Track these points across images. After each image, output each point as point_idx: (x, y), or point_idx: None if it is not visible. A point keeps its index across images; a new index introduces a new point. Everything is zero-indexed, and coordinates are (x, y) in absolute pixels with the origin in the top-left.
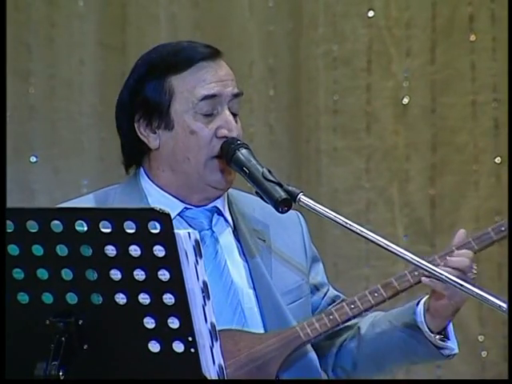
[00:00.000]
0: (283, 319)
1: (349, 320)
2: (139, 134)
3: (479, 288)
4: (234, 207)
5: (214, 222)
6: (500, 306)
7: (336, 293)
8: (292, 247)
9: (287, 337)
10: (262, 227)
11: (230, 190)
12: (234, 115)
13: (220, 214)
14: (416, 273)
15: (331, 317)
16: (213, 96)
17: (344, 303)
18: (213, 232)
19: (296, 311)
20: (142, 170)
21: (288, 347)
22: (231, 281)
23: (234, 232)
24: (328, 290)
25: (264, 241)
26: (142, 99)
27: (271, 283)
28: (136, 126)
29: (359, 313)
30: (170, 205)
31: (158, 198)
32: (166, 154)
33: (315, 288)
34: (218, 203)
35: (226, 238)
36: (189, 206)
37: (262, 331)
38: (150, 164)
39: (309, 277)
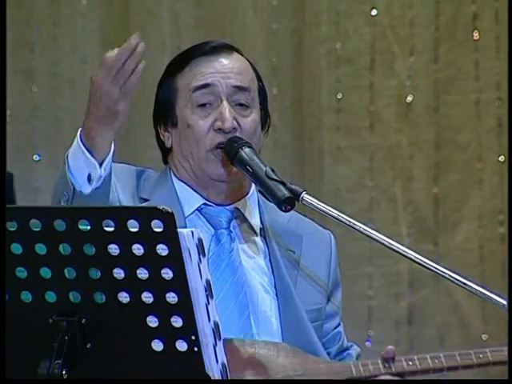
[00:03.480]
0: (304, 332)
1: (403, 374)
2: (161, 136)
3: (482, 286)
4: (265, 216)
5: (234, 224)
6: (505, 305)
7: (341, 330)
8: (318, 267)
9: (338, 367)
10: (295, 238)
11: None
12: (245, 107)
13: (243, 218)
14: (481, 355)
15: (386, 365)
16: (205, 86)
17: (403, 357)
18: (230, 231)
19: None
20: (169, 167)
21: (336, 375)
22: (245, 280)
23: (262, 239)
24: (339, 324)
25: (294, 252)
26: (159, 101)
27: (295, 295)
28: (158, 128)
29: (415, 370)
30: (191, 199)
31: (182, 191)
32: (176, 151)
33: (330, 316)
34: (240, 205)
35: (247, 242)
36: (209, 203)
37: (277, 338)
38: (171, 162)
39: (327, 302)
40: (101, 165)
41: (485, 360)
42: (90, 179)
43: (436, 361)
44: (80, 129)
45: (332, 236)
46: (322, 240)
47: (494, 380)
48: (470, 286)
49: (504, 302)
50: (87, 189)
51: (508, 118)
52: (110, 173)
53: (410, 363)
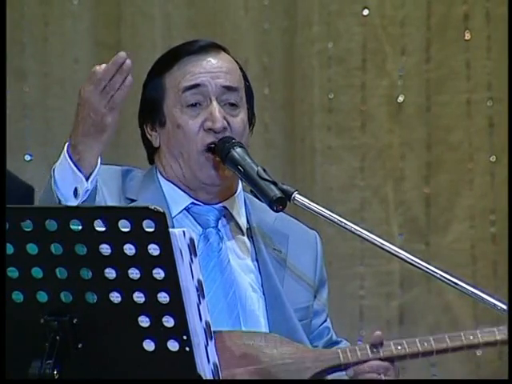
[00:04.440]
0: (293, 330)
1: (392, 359)
2: (147, 135)
3: (473, 286)
4: (251, 217)
5: (222, 223)
6: (496, 305)
7: (329, 326)
8: (304, 265)
9: (326, 354)
10: (281, 237)
11: (252, 198)
12: (234, 106)
13: (231, 216)
14: (471, 336)
15: (375, 350)
16: (195, 86)
17: (391, 342)
18: (218, 230)
19: None
20: (156, 166)
21: (324, 363)
22: (233, 279)
23: (249, 238)
24: (326, 320)
25: (280, 252)
26: (145, 100)
27: (282, 294)
28: (144, 127)
29: (404, 354)
30: (178, 198)
31: (169, 191)
32: (165, 150)
33: (316, 312)
34: (228, 204)
35: (235, 241)
36: (197, 202)
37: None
38: (158, 162)
39: (314, 300)
40: (88, 178)
41: (475, 341)
42: (76, 193)
43: (425, 344)
44: (67, 143)
45: (317, 235)
46: (308, 239)
47: (494, 380)
48: (461, 285)
49: (501, 305)
50: (73, 203)
51: (508, 118)
52: (96, 185)
53: (399, 347)
